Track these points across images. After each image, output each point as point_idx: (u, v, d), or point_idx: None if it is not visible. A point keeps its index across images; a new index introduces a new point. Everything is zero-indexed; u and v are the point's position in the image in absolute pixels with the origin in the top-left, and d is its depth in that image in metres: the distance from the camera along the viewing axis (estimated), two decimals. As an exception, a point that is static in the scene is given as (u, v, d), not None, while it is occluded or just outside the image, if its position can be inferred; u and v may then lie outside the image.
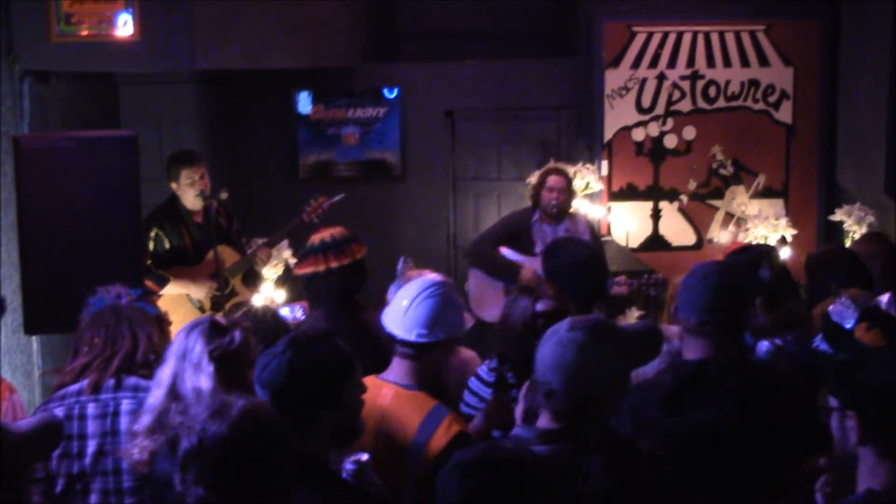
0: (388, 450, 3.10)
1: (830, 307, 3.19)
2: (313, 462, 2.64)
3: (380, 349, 3.60)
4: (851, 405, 2.27)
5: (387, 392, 3.22)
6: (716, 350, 3.09)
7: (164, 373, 3.12)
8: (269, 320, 3.82)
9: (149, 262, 5.46)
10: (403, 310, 3.30)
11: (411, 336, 3.26)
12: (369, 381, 3.09)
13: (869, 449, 2.27)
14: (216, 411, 2.35)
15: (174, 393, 3.09)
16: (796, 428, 2.92)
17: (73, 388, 3.35)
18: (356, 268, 4.14)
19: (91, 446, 3.27)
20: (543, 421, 2.66)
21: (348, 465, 2.71)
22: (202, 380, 3.06)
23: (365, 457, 2.76)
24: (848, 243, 6.47)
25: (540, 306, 3.59)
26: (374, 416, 3.13)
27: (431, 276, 3.47)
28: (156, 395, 3.11)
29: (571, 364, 2.60)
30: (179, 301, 5.61)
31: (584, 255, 4.27)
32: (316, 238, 4.17)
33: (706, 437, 2.90)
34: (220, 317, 3.27)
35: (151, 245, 5.59)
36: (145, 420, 3.08)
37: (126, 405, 3.30)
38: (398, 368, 3.29)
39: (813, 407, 2.69)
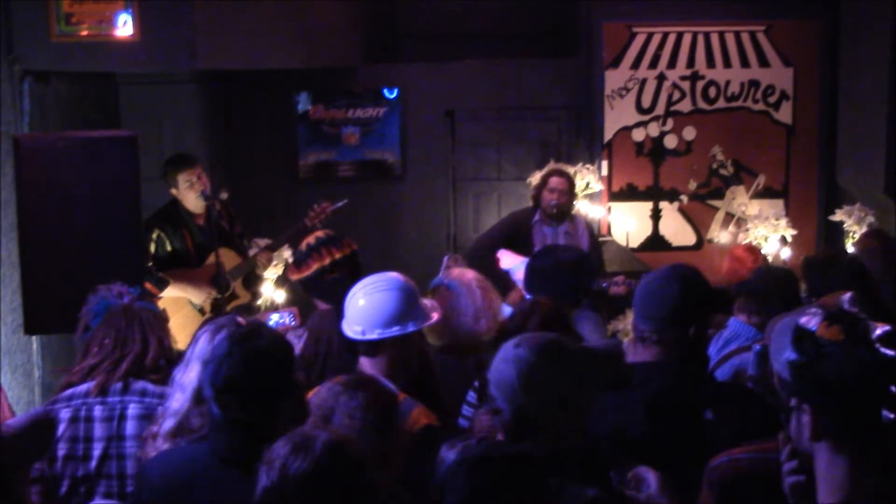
0: None
1: (801, 317, 3.14)
2: None
3: None
4: (807, 399, 2.26)
5: None
6: (669, 353, 3.00)
7: (189, 377, 3.06)
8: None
9: (150, 264, 5.45)
10: (355, 307, 3.32)
11: (352, 334, 3.30)
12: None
13: (822, 447, 2.25)
14: (298, 445, 2.27)
15: (199, 397, 3.03)
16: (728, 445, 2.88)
17: (81, 388, 3.33)
18: (356, 259, 4.15)
19: (97, 449, 3.26)
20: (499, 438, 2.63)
21: None
22: None
23: None
24: (849, 243, 6.48)
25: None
26: None
27: (391, 273, 3.48)
28: (178, 398, 3.05)
29: (514, 382, 2.55)
30: (179, 303, 5.60)
31: (566, 260, 4.29)
32: (308, 240, 4.19)
33: (616, 442, 2.85)
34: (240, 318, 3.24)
35: (153, 248, 5.57)
36: (168, 424, 3.03)
37: (133, 409, 3.28)
38: (364, 367, 3.31)
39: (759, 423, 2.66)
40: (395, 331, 3.27)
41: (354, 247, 4.20)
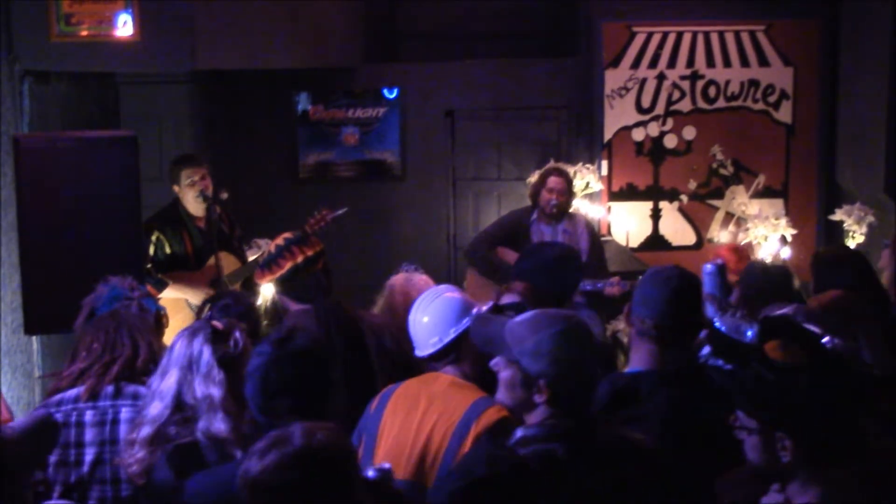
0: (432, 427, 3.14)
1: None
2: None
3: (367, 344, 3.79)
4: (783, 427, 2.23)
5: (444, 379, 3.27)
6: (664, 357, 3.01)
7: (167, 383, 3.06)
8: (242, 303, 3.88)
9: (149, 266, 5.42)
10: (422, 326, 3.37)
11: (431, 349, 3.32)
12: (425, 377, 3.26)
13: (800, 468, 2.25)
14: (273, 443, 2.27)
15: (179, 403, 3.04)
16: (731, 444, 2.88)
17: (70, 394, 3.29)
18: (325, 257, 4.17)
19: (89, 455, 3.23)
20: (537, 416, 2.65)
21: (370, 474, 2.70)
22: (213, 388, 3.03)
23: (388, 466, 2.75)
24: (849, 243, 6.48)
25: (505, 299, 3.68)
26: (423, 401, 3.19)
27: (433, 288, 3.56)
28: (157, 406, 3.05)
29: (565, 355, 2.62)
30: (177, 305, 5.56)
31: (552, 259, 4.30)
32: (276, 242, 4.17)
33: None
34: (215, 321, 3.24)
35: (152, 250, 5.54)
36: (145, 431, 3.03)
37: (125, 413, 3.25)
38: (449, 375, 3.34)
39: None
40: (465, 322, 3.31)
41: (320, 246, 4.21)
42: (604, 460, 2.52)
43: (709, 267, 3.34)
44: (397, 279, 4.36)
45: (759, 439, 2.29)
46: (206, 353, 3.06)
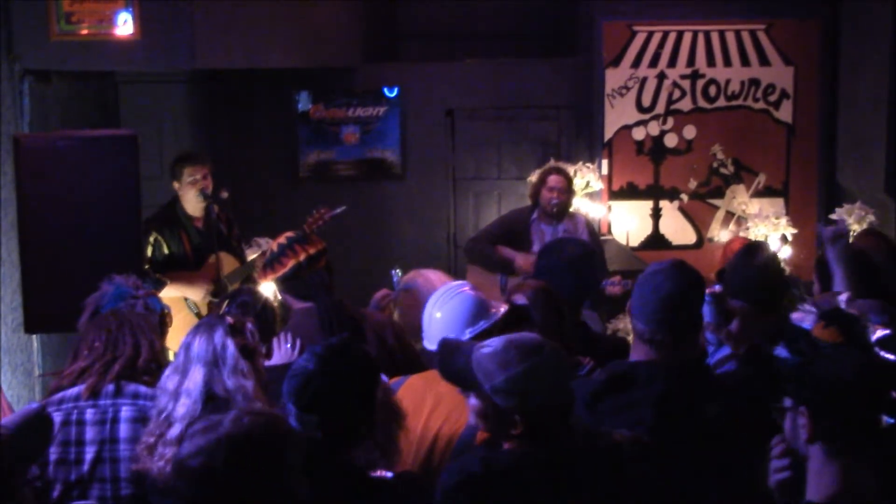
0: (439, 427, 3.13)
1: (794, 314, 3.13)
2: (357, 471, 2.65)
3: (368, 342, 3.77)
4: (802, 400, 2.25)
5: None
6: (661, 355, 2.99)
7: (193, 380, 3.08)
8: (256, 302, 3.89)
9: (147, 266, 5.42)
10: (436, 321, 3.35)
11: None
12: (429, 374, 3.20)
13: (817, 448, 2.24)
14: (204, 431, 2.26)
15: (211, 397, 3.07)
16: (733, 439, 2.84)
17: (72, 392, 3.30)
18: (327, 255, 4.17)
19: (89, 453, 3.23)
20: (511, 445, 2.60)
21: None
22: (244, 380, 3.08)
23: (389, 475, 2.75)
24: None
25: (517, 299, 3.64)
26: (429, 400, 3.17)
27: (447, 284, 3.54)
28: (185, 403, 3.06)
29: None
30: (177, 305, 5.56)
31: (573, 256, 4.28)
32: (279, 240, 4.15)
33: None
34: (228, 317, 3.26)
35: (150, 250, 5.53)
36: (176, 429, 3.03)
37: (126, 412, 3.25)
38: None
39: (759, 414, 2.66)
40: (481, 325, 3.30)
41: (324, 243, 4.21)
42: (584, 482, 2.50)
43: (708, 298, 3.33)
44: (420, 277, 4.32)
45: (791, 418, 2.29)
46: (231, 346, 3.11)
